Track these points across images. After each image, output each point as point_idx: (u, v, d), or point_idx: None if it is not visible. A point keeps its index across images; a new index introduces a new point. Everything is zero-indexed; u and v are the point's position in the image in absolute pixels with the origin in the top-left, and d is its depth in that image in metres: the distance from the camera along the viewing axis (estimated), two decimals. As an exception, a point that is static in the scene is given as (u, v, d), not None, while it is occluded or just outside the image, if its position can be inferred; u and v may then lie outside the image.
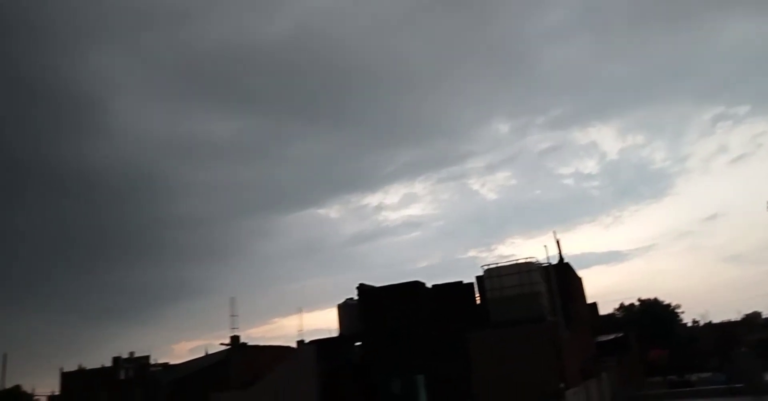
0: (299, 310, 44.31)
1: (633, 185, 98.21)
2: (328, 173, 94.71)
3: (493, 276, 20.21)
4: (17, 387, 32.39)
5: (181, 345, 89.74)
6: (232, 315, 26.66)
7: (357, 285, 22.67)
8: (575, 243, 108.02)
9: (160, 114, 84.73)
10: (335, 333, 23.68)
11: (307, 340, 25.18)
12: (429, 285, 22.19)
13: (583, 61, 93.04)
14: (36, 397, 35.37)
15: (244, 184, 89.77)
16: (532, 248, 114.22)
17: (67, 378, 34.29)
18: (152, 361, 34.60)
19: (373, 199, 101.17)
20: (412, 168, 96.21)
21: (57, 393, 35.19)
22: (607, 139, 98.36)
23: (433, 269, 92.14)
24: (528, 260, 20.12)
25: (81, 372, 34.62)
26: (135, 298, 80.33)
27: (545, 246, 23.77)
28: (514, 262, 20.18)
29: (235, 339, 26.63)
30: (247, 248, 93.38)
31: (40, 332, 68.80)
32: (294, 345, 27.71)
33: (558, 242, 23.34)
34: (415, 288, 21.74)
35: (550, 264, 21.42)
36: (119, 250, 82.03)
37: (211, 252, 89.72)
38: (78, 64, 76.10)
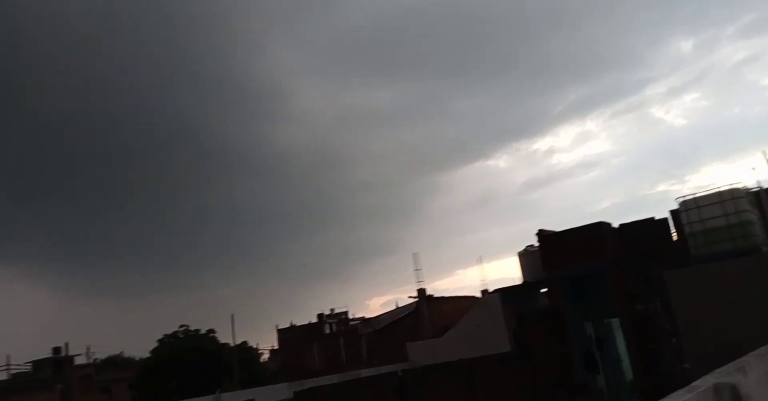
0: (479, 261, 44.38)
1: None
2: (492, 123, 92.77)
3: (690, 209, 18.02)
4: (245, 343, 37.21)
5: (374, 301, 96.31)
6: (416, 270, 27.65)
7: (536, 232, 21.95)
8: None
9: (330, 91, 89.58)
10: (518, 282, 23.34)
11: (490, 289, 25.23)
12: (615, 225, 20.71)
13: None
14: (261, 351, 40.59)
15: (413, 145, 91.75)
16: (736, 173, 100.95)
17: (282, 333, 38.71)
18: (350, 316, 37.58)
19: (542, 144, 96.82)
20: (582, 105, 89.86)
21: (276, 347, 39.95)
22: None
23: (618, 209, 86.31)
24: (732, 186, 17.59)
25: (292, 328, 38.81)
26: (331, 260, 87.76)
27: (753, 169, 20.57)
28: (716, 190, 17.76)
29: (421, 291, 27.62)
30: (424, 206, 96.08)
31: (257, 294, 78.65)
32: (477, 294, 27.98)
33: (770, 163, 20.04)
34: (599, 229, 20.36)
35: (761, 188, 18.57)
36: (316, 218, 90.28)
37: (393, 213, 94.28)
38: (259, 60, 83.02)
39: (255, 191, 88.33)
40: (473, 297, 27.93)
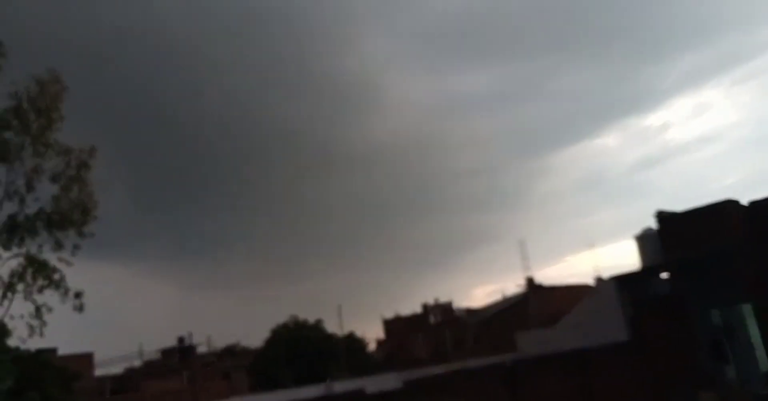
0: (591, 246, 42.43)
1: None
2: (598, 100, 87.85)
3: (835, 181, 16.10)
4: (351, 333, 38.06)
5: (478, 290, 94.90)
6: (523, 258, 26.96)
7: (655, 213, 20.65)
8: None
9: (422, 80, 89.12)
10: (632, 267, 21.99)
11: (604, 276, 24.03)
12: (743, 202, 18.96)
13: None
14: (366, 341, 41.35)
15: (516, 128, 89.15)
16: None
17: (387, 324, 39.18)
18: (454, 306, 37.29)
19: (654, 119, 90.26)
20: (698, 74, 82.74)
21: (382, 337, 40.51)
22: None
23: (745, 184, 78.73)
24: None
25: (398, 318, 39.18)
26: (434, 250, 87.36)
27: None
28: None
29: (529, 280, 26.88)
30: (528, 190, 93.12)
31: (363, 286, 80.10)
32: (588, 282, 26.77)
33: None
34: (726, 207, 18.77)
35: None
36: (420, 207, 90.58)
37: (497, 199, 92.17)
38: (352, 54, 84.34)
39: (359, 184, 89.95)
40: (585, 286, 26.76)
